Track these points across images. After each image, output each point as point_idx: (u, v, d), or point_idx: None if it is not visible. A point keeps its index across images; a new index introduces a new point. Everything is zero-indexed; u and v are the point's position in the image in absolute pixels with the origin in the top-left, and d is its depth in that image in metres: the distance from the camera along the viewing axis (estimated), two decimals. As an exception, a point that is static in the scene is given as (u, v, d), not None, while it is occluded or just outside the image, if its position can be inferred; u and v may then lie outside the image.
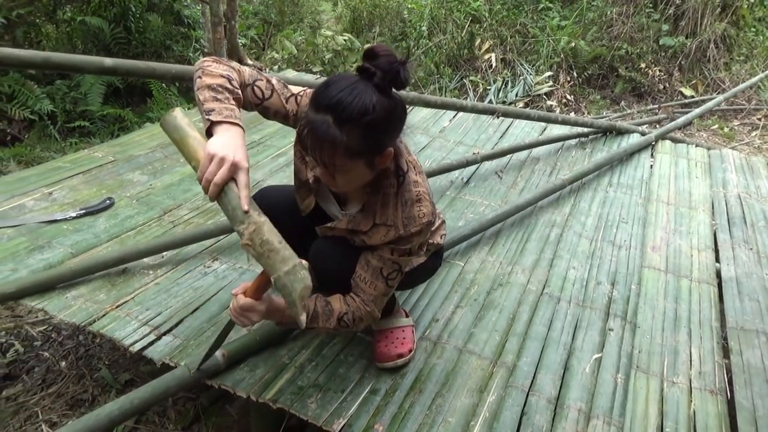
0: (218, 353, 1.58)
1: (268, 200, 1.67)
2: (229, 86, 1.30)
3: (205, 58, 1.39)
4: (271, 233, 1.18)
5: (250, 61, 5.77)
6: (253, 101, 1.42)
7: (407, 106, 3.62)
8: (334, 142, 1.20)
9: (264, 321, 1.76)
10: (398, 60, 1.22)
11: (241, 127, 1.26)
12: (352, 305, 1.47)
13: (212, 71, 1.31)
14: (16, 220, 2.19)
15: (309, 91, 1.45)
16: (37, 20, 4.88)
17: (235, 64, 1.42)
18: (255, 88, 1.41)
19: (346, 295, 1.50)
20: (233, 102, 1.29)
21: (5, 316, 2.46)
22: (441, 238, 1.72)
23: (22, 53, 1.89)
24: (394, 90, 1.26)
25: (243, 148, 1.23)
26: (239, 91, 1.33)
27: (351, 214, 1.49)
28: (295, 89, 1.46)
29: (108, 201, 2.37)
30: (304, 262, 1.22)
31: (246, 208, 1.19)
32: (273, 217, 1.59)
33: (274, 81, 1.45)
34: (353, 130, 1.20)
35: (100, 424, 1.40)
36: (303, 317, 1.26)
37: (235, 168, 1.20)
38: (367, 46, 1.25)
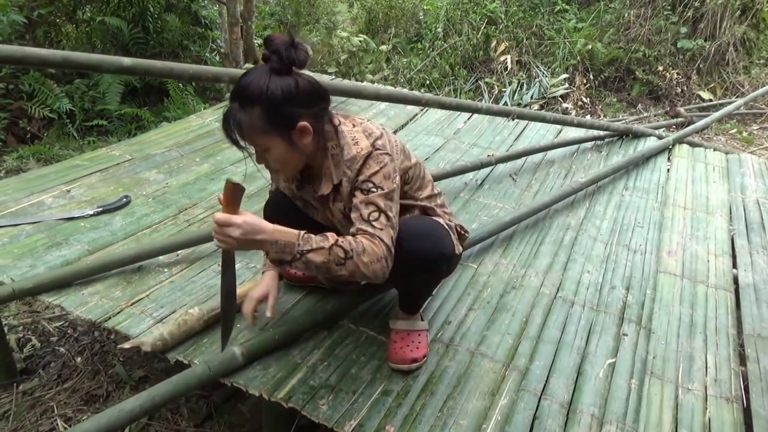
0: (237, 351, 1.59)
1: (278, 208, 1.74)
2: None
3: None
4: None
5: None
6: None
7: (423, 108, 3.64)
8: (240, 124, 1.38)
9: (282, 319, 1.81)
10: (288, 42, 1.38)
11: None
12: (348, 238, 1.40)
13: None
14: (35, 217, 2.23)
15: None
16: (58, 20, 4.96)
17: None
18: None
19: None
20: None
21: (23, 311, 2.49)
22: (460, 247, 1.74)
23: (42, 52, 1.91)
24: (296, 69, 1.41)
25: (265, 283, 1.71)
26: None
27: (318, 194, 1.57)
28: None
29: (124, 199, 2.40)
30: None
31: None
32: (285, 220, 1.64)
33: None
34: (254, 110, 1.37)
35: (122, 418, 1.41)
36: None
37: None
38: (266, 34, 1.38)
